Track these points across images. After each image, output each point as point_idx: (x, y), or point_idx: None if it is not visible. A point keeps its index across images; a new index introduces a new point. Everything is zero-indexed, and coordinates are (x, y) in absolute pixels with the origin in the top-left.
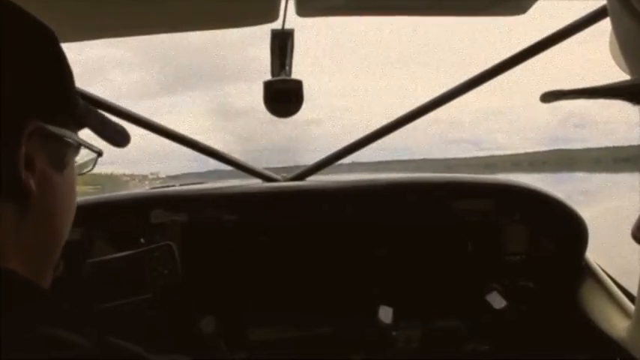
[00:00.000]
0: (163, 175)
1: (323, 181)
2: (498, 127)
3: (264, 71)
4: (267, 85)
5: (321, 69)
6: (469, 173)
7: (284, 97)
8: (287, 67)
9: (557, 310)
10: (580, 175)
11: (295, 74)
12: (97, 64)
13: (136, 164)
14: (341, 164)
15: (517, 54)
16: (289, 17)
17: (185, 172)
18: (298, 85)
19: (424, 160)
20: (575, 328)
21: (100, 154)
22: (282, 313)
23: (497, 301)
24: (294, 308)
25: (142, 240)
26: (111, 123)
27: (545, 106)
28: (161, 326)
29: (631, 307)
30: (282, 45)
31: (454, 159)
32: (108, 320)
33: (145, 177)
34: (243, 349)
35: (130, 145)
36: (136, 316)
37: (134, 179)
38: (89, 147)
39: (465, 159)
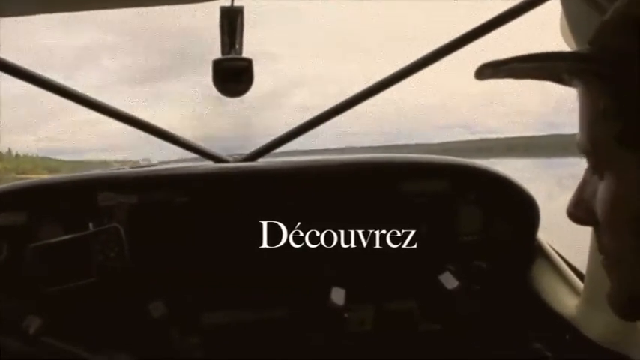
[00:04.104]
0: (155, 161)
1: (273, 162)
2: (489, 112)
3: (258, 57)
4: (216, 64)
5: (316, 54)
6: (465, 157)
7: (234, 76)
8: (237, 46)
9: (510, 290)
10: (571, 160)
11: (291, 59)
12: (89, 50)
13: (129, 151)
14: (335, 149)
15: (468, 33)
16: None
17: (177, 157)
18: (248, 63)
19: (418, 145)
20: (526, 307)
21: None
22: (235, 296)
23: (449, 281)
24: (248, 291)
25: (90, 223)
26: None
27: (534, 91)
28: (108, 310)
29: (581, 285)
30: (231, 22)
31: (448, 143)
32: (53, 305)
33: (136, 163)
34: (197, 333)
35: (122, 132)
36: (81, 300)
37: (125, 165)
38: None
39: (460, 142)
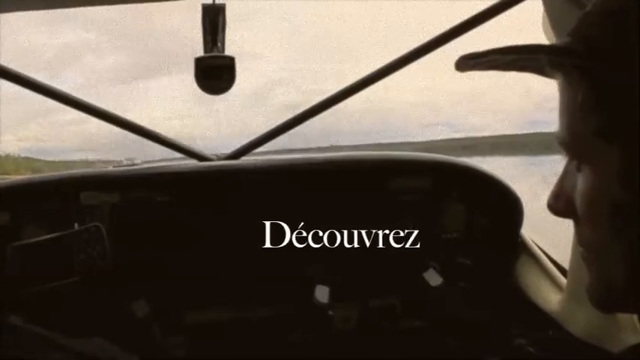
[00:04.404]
0: (139, 161)
1: (257, 160)
2: (472, 110)
3: (243, 56)
4: (198, 62)
5: (301, 53)
6: (449, 155)
7: (216, 73)
8: (219, 44)
9: (494, 287)
10: (555, 158)
11: (276, 59)
12: (71, 49)
13: (113, 151)
14: (319, 147)
15: (450, 29)
16: None
17: (161, 157)
18: (230, 61)
19: (402, 143)
20: (510, 303)
21: None
22: (219, 295)
23: (434, 278)
24: (231, 290)
25: (73, 223)
26: None
27: (516, 90)
28: (91, 310)
29: (564, 281)
30: (213, 20)
31: (433, 141)
32: (34, 305)
33: (119, 163)
34: (180, 332)
35: (106, 132)
36: (64, 300)
37: (108, 165)
38: None
39: (444, 140)
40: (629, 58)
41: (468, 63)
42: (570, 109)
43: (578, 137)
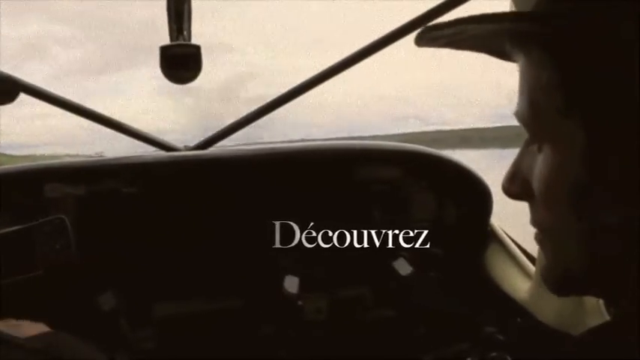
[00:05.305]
0: (108, 156)
1: (225, 150)
2: (444, 103)
3: (215, 49)
4: (164, 50)
5: (273, 47)
6: None
7: (181, 62)
8: (185, 32)
9: (463, 275)
10: None
11: (242, 54)
12: (37, 41)
13: (81, 145)
14: (291, 140)
15: (416, 18)
16: None
17: (133, 152)
18: (196, 50)
19: (373, 136)
20: (479, 291)
21: None
22: (189, 287)
23: (403, 267)
24: (201, 281)
25: (36, 215)
26: None
27: (487, 84)
28: (55, 304)
29: (533, 269)
30: (178, 8)
31: (404, 134)
32: None
33: (88, 157)
34: (149, 325)
35: (73, 126)
36: (27, 294)
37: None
38: None
39: (415, 133)
40: (592, 34)
41: (427, 36)
42: (532, 86)
43: (541, 115)
